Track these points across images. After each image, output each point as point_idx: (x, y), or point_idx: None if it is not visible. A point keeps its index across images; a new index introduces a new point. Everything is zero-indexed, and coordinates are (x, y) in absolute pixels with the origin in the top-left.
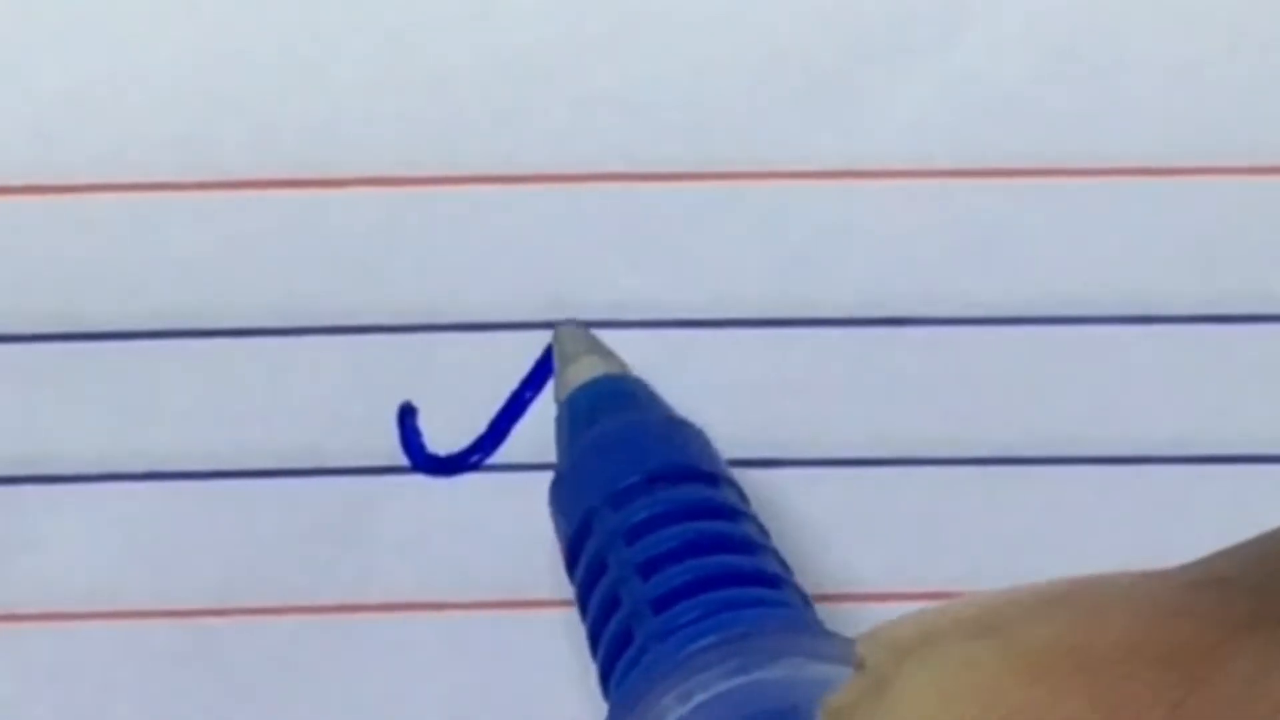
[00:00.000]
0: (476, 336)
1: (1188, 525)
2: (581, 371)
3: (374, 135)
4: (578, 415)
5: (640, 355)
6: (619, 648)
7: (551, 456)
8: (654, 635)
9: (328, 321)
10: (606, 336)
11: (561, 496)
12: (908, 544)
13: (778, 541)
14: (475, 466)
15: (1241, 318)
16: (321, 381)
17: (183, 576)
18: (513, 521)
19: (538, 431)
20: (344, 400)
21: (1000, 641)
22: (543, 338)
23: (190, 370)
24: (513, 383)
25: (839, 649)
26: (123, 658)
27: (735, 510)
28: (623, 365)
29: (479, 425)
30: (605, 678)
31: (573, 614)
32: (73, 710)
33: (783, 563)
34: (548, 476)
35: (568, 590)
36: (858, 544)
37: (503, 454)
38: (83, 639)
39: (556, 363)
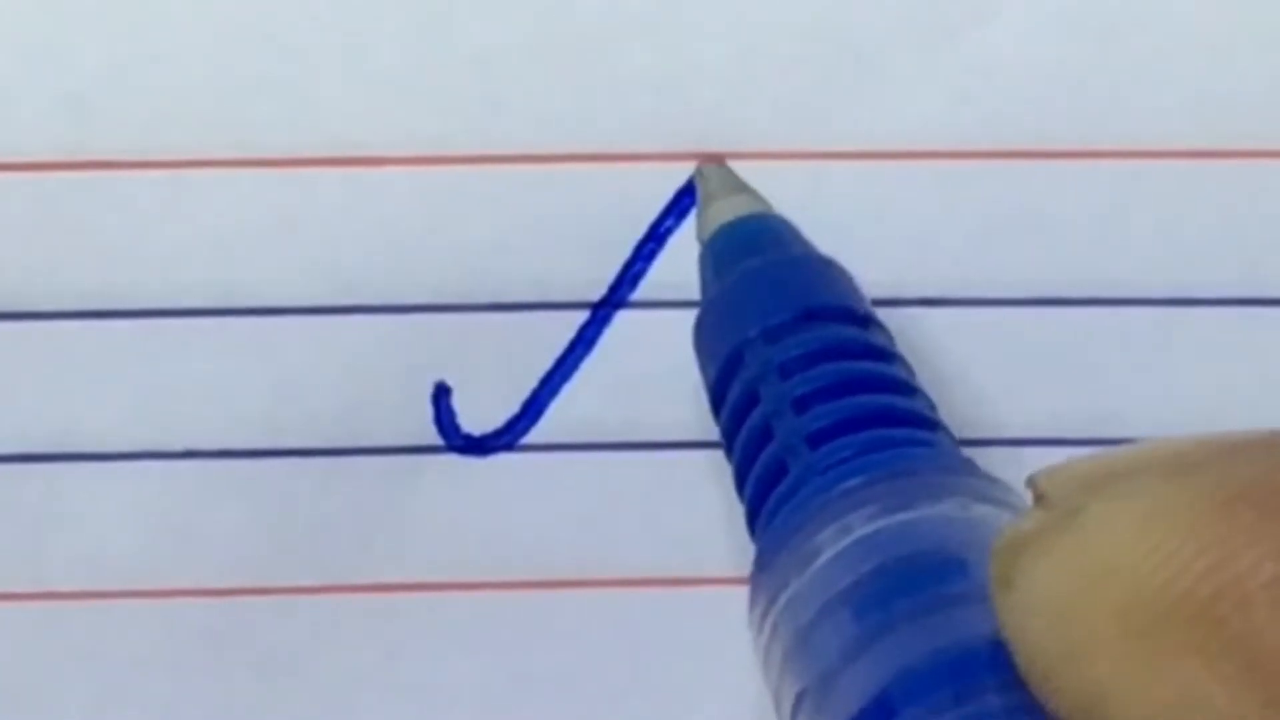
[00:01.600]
0: (511, 317)
1: None
2: (728, 209)
3: (410, 114)
4: (724, 251)
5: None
6: (771, 482)
7: (584, 437)
8: (810, 470)
9: (363, 301)
10: (638, 317)
11: (709, 330)
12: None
13: None
14: (509, 446)
15: (1275, 301)
16: (356, 361)
17: (217, 555)
18: (546, 501)
19: (572, 412)
20: (379, 380)
21: (1200, 479)
22: (578, 318)
23: (225, 348)
24: (547, 363)
25: (1000, 492)
26: (157, 636)
27: (887, 352)
28: (767, 204)
29: (513, 405)
30: (754, 512)
31: (603, 592)
32: (108, 687)
33: (932, 405)
34: (582, 457)
35: (600, 570)
36: None
37: (537, 434)
38: (118, 617)
39: (700, 200)
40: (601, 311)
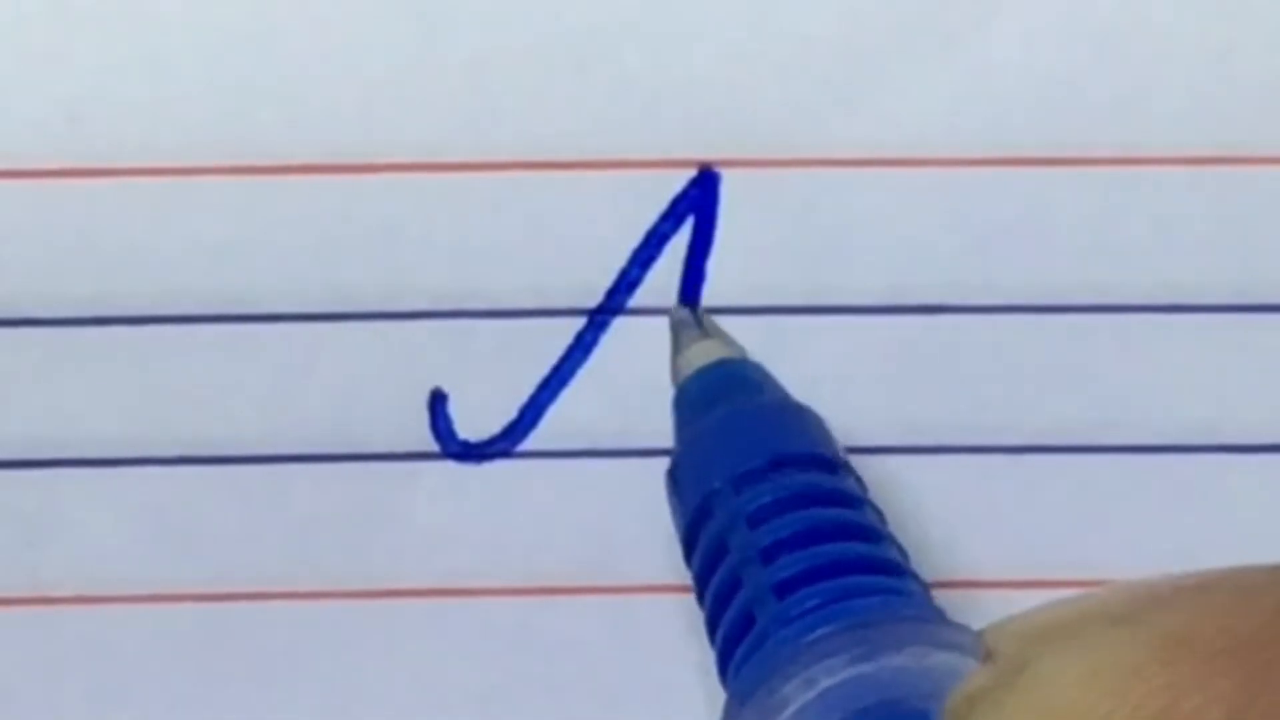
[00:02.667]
0: (508, 323)
1: (1219, 514)
2: (699, 355)
3: (406, 121)
4: (695, 398)
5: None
6: (739, 632)
7: (580, 444)
8: (776, 620)
9: (359, 307)
10: (635, 324)
11: (680, 479)
12: (935, 532)
13: None
14: (506, 453)
15: (1274, 307)
16: (353, 367)
17: (213, 560)
18: (543, 508)
19: (568, 419)
20: (375, 386)
21: (1141, 628)
22: (574, 324)
23: (221, 355)
24: (543, 370)
25: (964, 639)
26: (153, 641)
27: (856, 497)
28: (740, 349)
29: (510, 412)
30: (724, 661)
31: (603, 601)
32: (104, 692)
33: (902, 551)
34: (578, 464)
35: (597, 577)
36: None
37: (533, 441)
38: (114, 622)
39: (672, 347)
40: (598, 318)
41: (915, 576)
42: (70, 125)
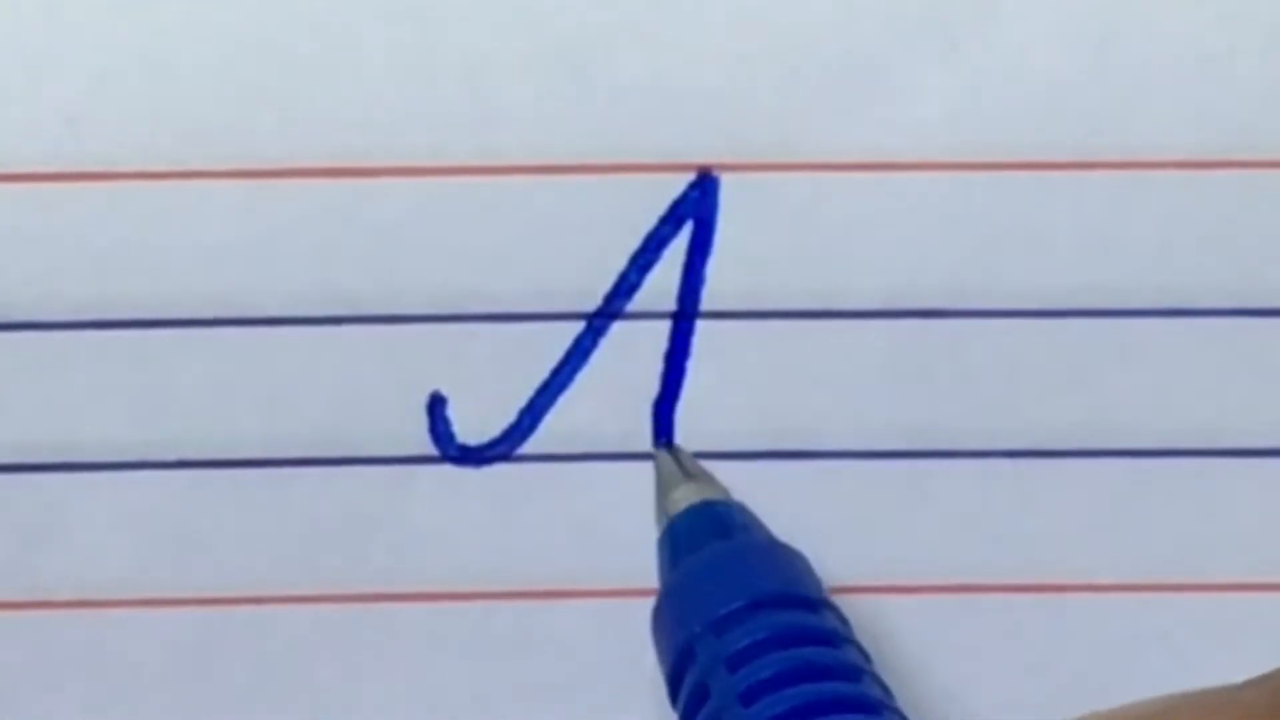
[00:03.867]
0: (507, 327)
1: (1221, 518)
2: (682, 498)
3: (406, 125)
4: (678, 541)
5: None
6: None
7: (579, 448)
8: None
9: (358, 311)
10: (634, 328)
11: (663, 622)
12: (934, 537)
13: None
14: (505, 457)
15: (1274, 311)
16: (352, 371)
17: (211, 564)
18: (542, 511)
19: (567, 422)
20: (374, 390)
21: None
22: (573, 328)
23: (220, 358)
24: (542, 373)
25: None
26: (151, 645)
27: (836, 636)
28: (723, 490)
29: (509, 415)
30: None
31: (601, 604)
32: (103, 696)
33: (884, 688)
34: (577, 468)
35: (596, 580)
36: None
37: (532, 444)
38: (112, 625)
39: (657, 488)
40: (597, 322)
41: (897, 712)
42: (69, 129)
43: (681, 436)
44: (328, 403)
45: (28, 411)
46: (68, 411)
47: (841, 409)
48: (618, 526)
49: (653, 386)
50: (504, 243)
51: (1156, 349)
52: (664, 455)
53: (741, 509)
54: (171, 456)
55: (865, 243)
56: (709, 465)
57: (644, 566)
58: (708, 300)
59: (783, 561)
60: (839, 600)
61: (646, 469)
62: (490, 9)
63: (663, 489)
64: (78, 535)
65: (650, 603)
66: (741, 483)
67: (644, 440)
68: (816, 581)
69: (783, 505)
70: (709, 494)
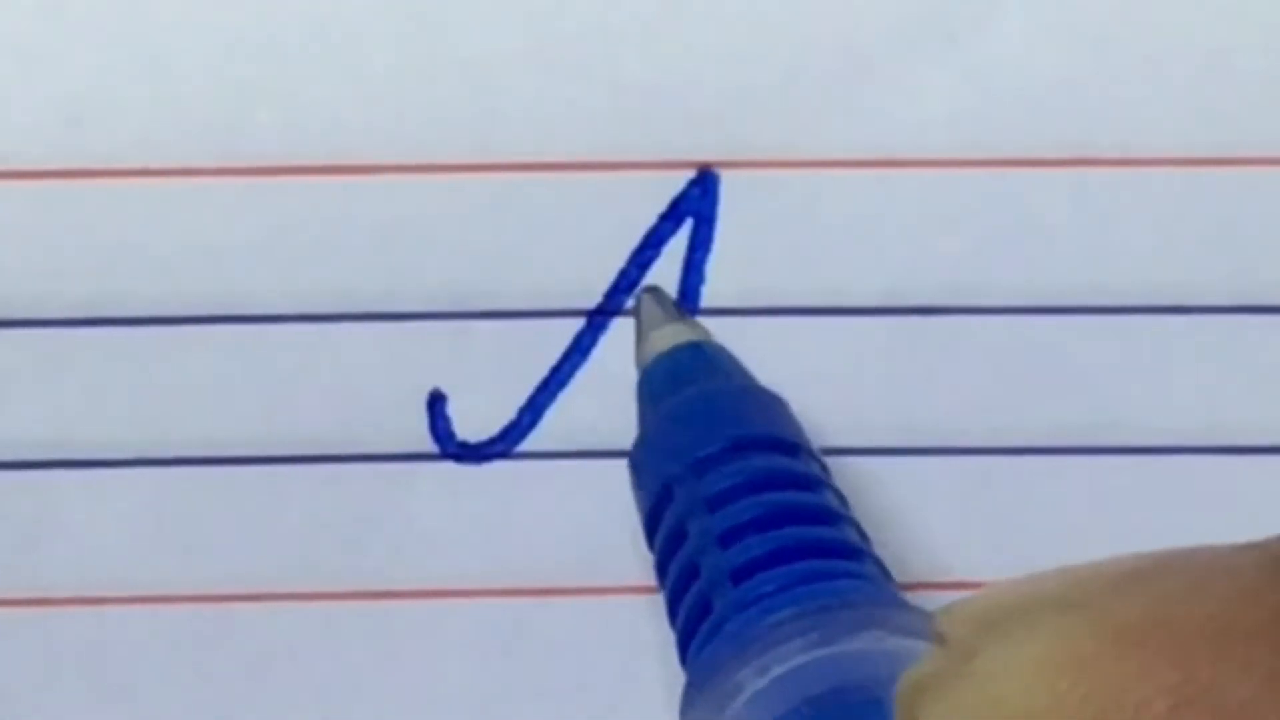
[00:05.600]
0: (507, 324)
1: (1219, 515)
2: (663, 339)
3: (405, 122)
4: (658, 382)
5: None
6: (698, 617)
7: (579, 445)
8: (732, 606)
9: (358, 308)
10: (632, 324)
11: (641, 463)
12: (935, 535)
13: None
14: (504, 454)
15: (1273, 309)
16: (351, 368)
17: (211, 562)
18: (541, 509)
19: (567, 420)
20: (374, 387)
21: (1091, 615)
22: (573, 325)
23: (220, 356)
24: (542, 371)
25: (920, 623)
26: (151, 642)
27: (816, 480)
28: (705, 332)
29: (508, 413)
30: (684, 647)
31: (601, 602)
32: (103, 693)
33: (862, 533)
34: (577, 465)
35: (595, 578)
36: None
37: (532, 442)
38: (111, 623)
39: (637, 330)
40: (597, 319)
41: (875, 560)
42: (69, 127)
43: None
44: (328, 400)
45: (27, 409)
46: (67, 409)
47: (841, 406)
48: (618, 524)
49: None
50: (504, 240)
51: (1156, 346)
52: (646, 298)
53: (722, 351)
54: (171, 454)
55: (865, 240)
56: None
57: (644, 564)
58: (708, 297)
59: (764, 405)
60: None
61: None
62: (490, 7)
63: (643, 331)
64: (77, 533)
65: (653, 601)
66: None
67: None
68: (797, 426)
69: None
70: (691, 335)
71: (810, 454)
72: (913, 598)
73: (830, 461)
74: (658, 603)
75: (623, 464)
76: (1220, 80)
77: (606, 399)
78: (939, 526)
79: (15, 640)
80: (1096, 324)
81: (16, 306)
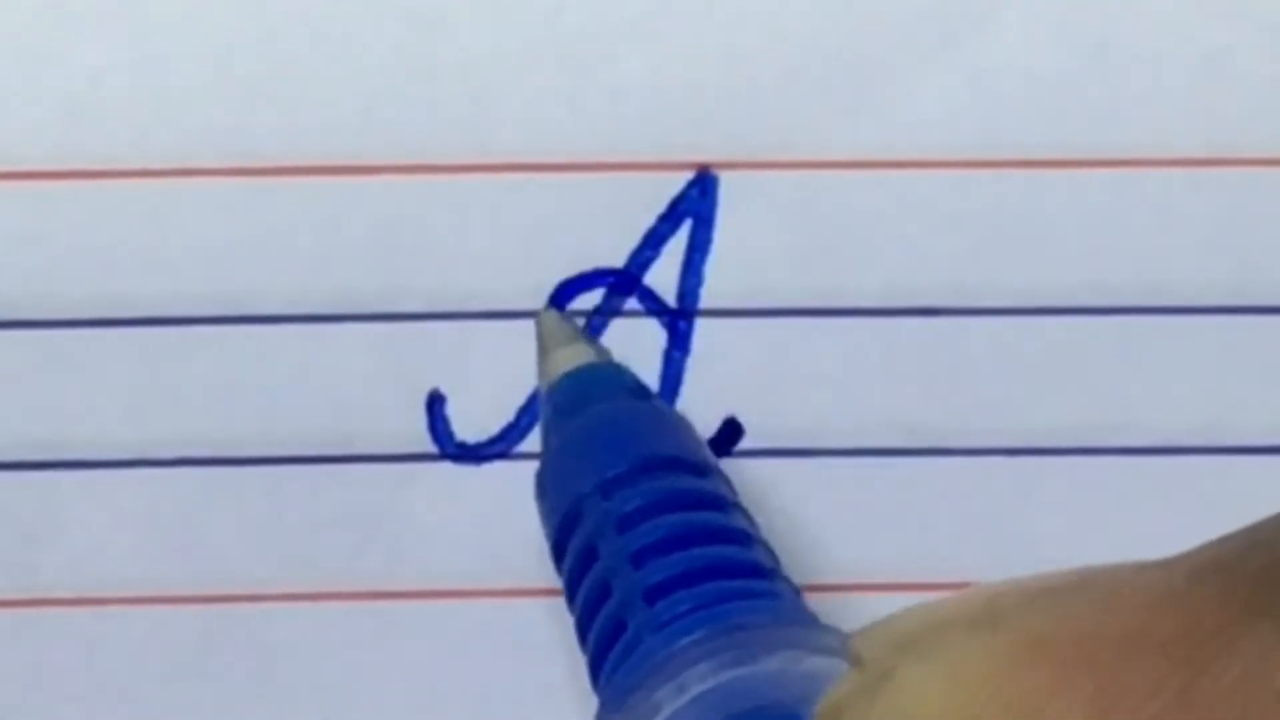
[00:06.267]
0: (506, 325)
1: (1219, 516)
2: (566, 359)
3: (404, 123)
4: (563, 402)
5: (662, 343)
6: (610, 638)
7: None
8: (647, 626)
9: (357, 309)
10: (637, 325)
11: (548, 483)
12: (935, 535)
13: (791, 531)
14: (503, 455)
15: (1273, 309)
16: (350, 369)
17: (210, 562)
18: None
19: None
20: (373, 388)
21: (1004, 631)
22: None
23: (219, 356)
24: None
25: (834, 642)
26: (150, 643)
27: (725, 501)
28: (606, 353)
29: (507, 413)
30: (595, 668)
31: None
32: (103, 694)
33: (772, 554)
34: None
35: None
36: (881, 535)
37: (531, 442)
38: (111, 624)
39: (539, 350)
40: (595, 320)
41: (786, 580)
42: (69, 127)
43: None
44: (327, 400)
45: (27, 409)
46: (67, 409)
47: (840, 407)
48: None
49: (652, 384)
50: (503, 241)
51: (1156, 346)
52: (547, 318)
53: (625, 371)
54: (171, 454)
55: (864, 241)
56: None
57: None
58: (707, 298)
59: (670, 425)
60: (840, 599)
61: None
62: (490, 7)
63: (545, 350)
64: (77, 533)
65: None
66: (739, 479)
67: None
68: (703, 446)
69: (781, 502)
70: (593, 356)
71: (718, 474)
72: (913, 598)
73: (830, 461)
74: None
75: None
76: (1220, 80)
77: None
78: (939, 526)
79: (15, 640)
80: (1096, 324)
81: (16, 306)
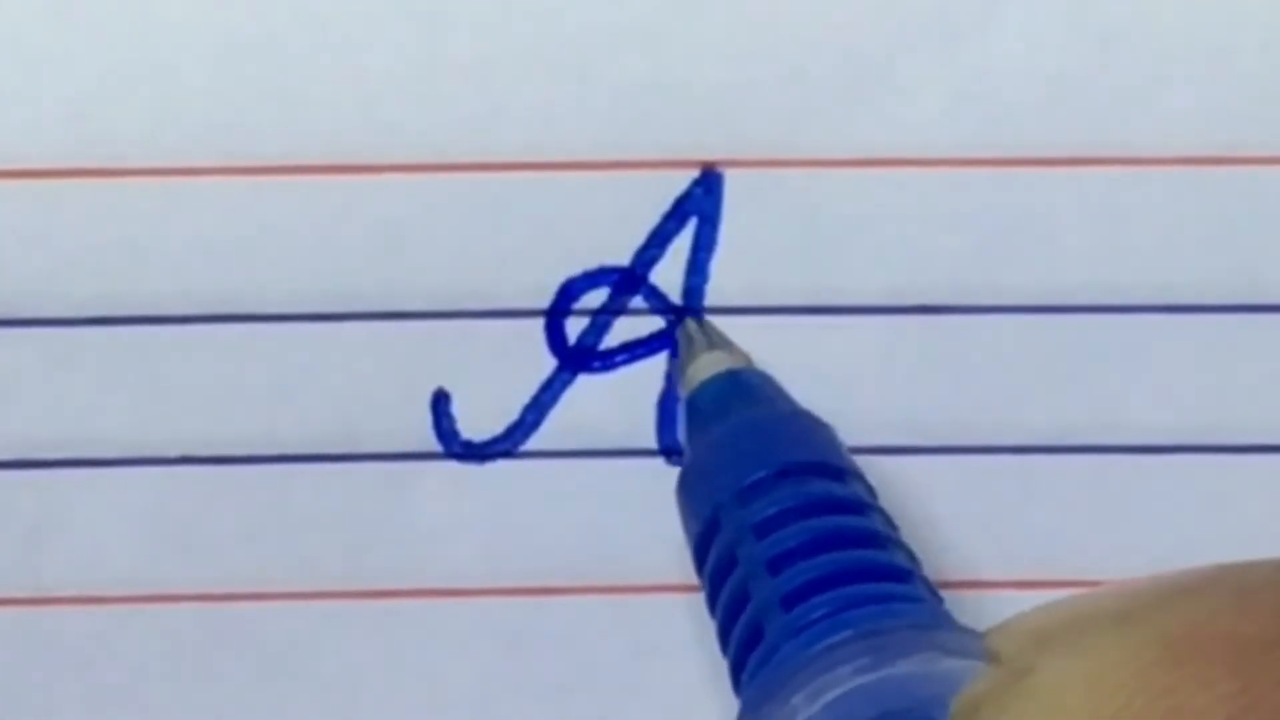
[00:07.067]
0: (511, 323)
1: (1221, 515)
2: (707, 366)
3: (408, 121)
4: (703, 410)
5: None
6: (749, 644)
7: (582, 444)
8: (784, 631)
9: (362, 307)
10: (640, 323)
11: (689, 491)
12: (937, 534)
13: None
14: (508, 454)
15: (1276, 308)
16: (356, 367)
17: (215, 561)
18: (545, 508)
19: (571, 419)
20: (378, 386)
21: (1144, 628)
22: (578, 324)
23: (223, 355)
24: (546, 370)
25: (971, 643)
26: (154, 641)
27: (863, 504)
28: (747, 359)
29: (512, 412)
30: (736, 674)
31: (602, 601)
32: (105, 693)
33: (911, 555)
34: (581, 464)
35: (598, 577)
36: None
37: (536, 441)
38: (114, 622)
39: (680, 357)
40: (601, 319)
41: (925, 581)
42: (72, 126)
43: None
44: (331, 399)
45: (30, 409)
46: (70, 408)
47: (844, 404)
48: (621, 523)
49: (657, 383)
50: (508, 239)
51: (1158, 345)
52: (689, 326)
53: (765, 377)
54: (175, 453)
55: (868, 239)
56: None
57: (647, 564)
58: (712, 296)
59: (809, 430)
60: None
61: (650, 465)
62: (494, 6)
63: (686, 358)
64: (80, 532)
65: (657, 600)
66: None
67: (648, 437)
68: (843, 450)
69: None
70: (733, 363)
71: (857, 477)
72: None
73: None
74: (662, 602)
75: (625, 463)
76: (1222, 79)
77: (610, 398)
78: (941, 526)
79: (18, 640)
80: (1098, 323)
81: (19, 306)
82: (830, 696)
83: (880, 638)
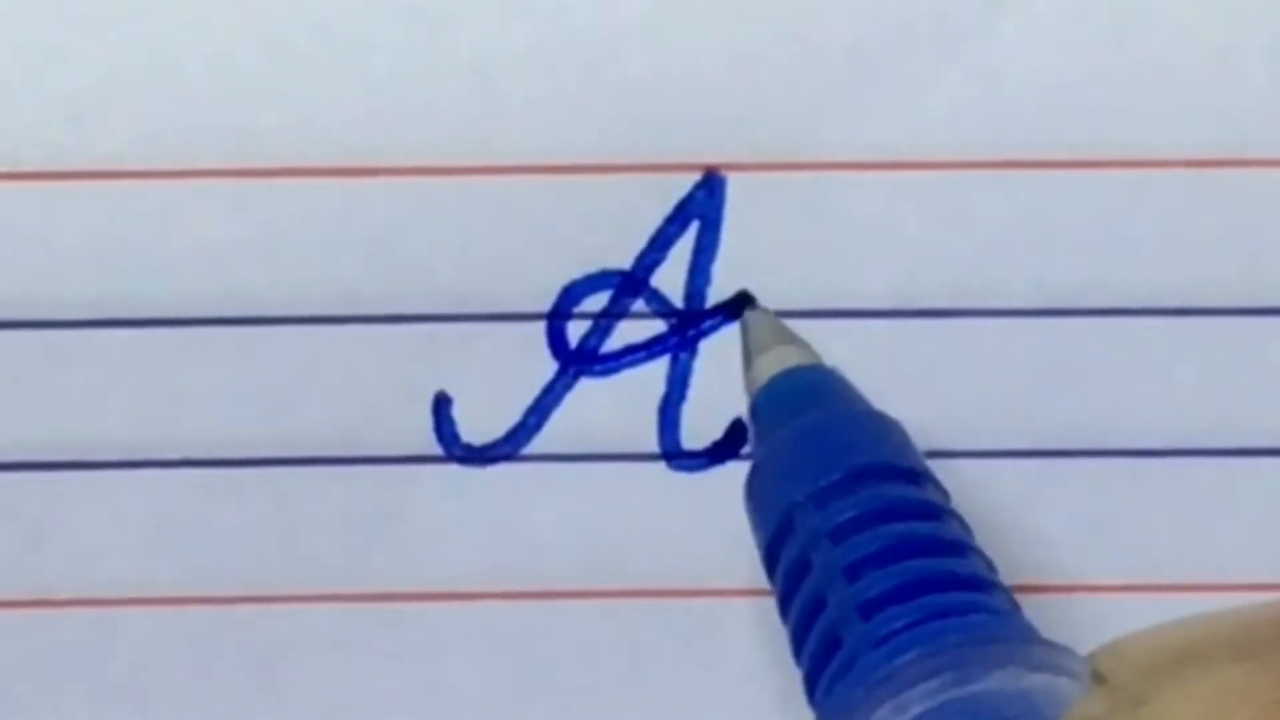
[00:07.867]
0: (512, 327)
1: (1226, 518)
2: (775, 362)
3: (410, 124)
4: (773, 407)
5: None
6: (827, 652)
7: (584, 447)
8: (864, 642)
9: (363, 310)
10: (641, 326)
11: (758, 490)
12: None
13: None
14: (509, 457)
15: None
16: (357, 371)
17: (215, 563)
18: (546, 512)
19: (572, 422)
20: (379, 390)
21: (1265, 666)
22: (579, 328)
23: (224, 358)
24: (548, 373)
25: (1058, 659)
26: (155, 644)
27: (939, 509)
28: (815, 355)
29: (513, 416)
30: (811, 681)
31: (605, 605)
32: (104, 695)
33: (989, 563)
34: (582, 468)
35: (600, 581)
36: None
37: (537, 444)
38: (116, 625)
39: (746, 352)
40: (603, 322)
41: (1004, 590)
42: (72, 128)
43: (688, 436)
44: (332, 402)
45: (31, 410)
46: (71, 410)
47: None
48: (622, 526)
49: (659, 386)
50: (509, 243)
51: (1162, 348)
52: (754, 316)
53: (836, 374)
54: (175, 456)
55: (871, 242)
56: (714, 464)
57: (648, 566)
58: (714, 300)
59: (883, 431)
60: None
61: (652, 469)
62: (495, 8)
63: (751, 353)
64: (81, 534)
65: (657, 605)
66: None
67: (649, 440)
68: (916, 452)
69: None
70: (803, 358)
71: (932, 480)
72: None
73: None
74: (663, 606)
75: (627, 466)
76: (1225, 81)
77: (611, 402)
78: None
79: (19, 641)
80: (1102, 325)
81: (19, 307)
82: (917, 711)
83: (967, 651)
